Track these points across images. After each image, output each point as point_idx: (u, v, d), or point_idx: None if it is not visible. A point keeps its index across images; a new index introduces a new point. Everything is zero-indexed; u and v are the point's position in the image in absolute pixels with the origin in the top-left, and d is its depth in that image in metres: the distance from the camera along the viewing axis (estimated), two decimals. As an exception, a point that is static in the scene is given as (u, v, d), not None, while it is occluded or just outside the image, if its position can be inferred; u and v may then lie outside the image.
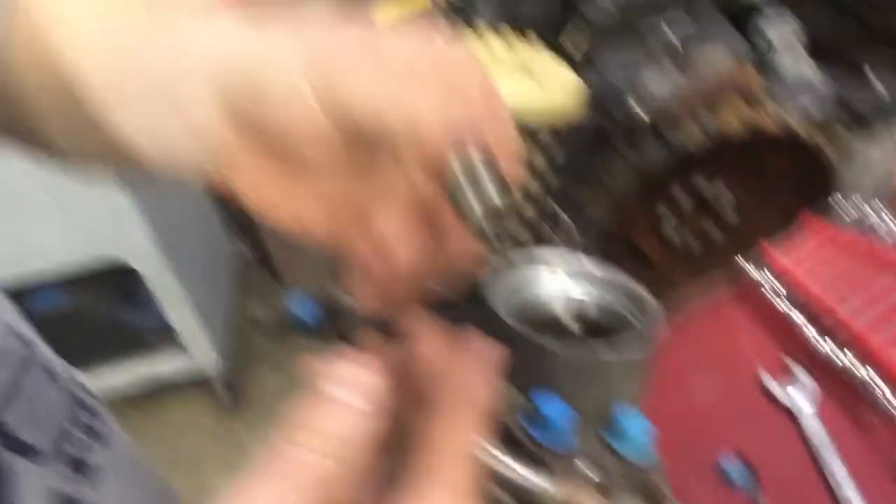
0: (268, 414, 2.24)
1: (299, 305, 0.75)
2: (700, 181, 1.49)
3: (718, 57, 1.48)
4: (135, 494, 0.61)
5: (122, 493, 0.57)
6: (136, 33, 0.36)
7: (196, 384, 2.25)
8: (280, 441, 0.28)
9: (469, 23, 1.63)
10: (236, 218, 2.56)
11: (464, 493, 0.29)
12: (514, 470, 0.43)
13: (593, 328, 0.55)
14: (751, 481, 0.75)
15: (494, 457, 0.44)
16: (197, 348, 2.10)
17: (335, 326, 0.73)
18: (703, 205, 1.50)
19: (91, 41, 0.36)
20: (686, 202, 1.49)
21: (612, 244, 1.11)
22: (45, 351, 0.59)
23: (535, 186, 0.58)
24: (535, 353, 0.49)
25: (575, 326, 0.54)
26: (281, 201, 0.38)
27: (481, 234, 0.36)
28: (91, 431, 0.59)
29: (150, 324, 2.16)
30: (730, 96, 1.47)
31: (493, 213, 0.34)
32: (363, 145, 0.35)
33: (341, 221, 0.39)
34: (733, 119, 1.47)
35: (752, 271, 1.07)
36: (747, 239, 1.58)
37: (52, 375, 0.58)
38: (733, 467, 0.73)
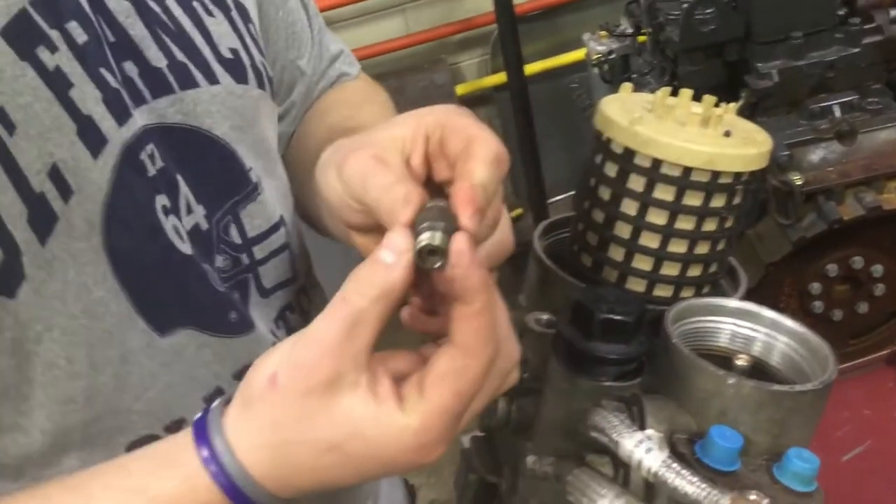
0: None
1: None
2: (851, 252, 1.47)
3: (883, 133, 1.46)
4: None
5: None
6: None
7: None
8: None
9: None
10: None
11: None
12: (685, 481, 0.46)
13: (763, 369, 0.57)
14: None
15: (668, 467, 0.47)
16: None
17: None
18: (852, 275, 1.48)
19: None
20: (834, 271, 1.47)
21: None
22: None
23: (716, 228, 0.61)
24: (712, 383, 0.52)
25: (746, 365, 0.56)
26: None
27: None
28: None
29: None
30: (891, 174, 1.45)
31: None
32: None
33: None
34: (893, 196, 1.45)
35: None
36: (893, 310, 1.54)
37: None
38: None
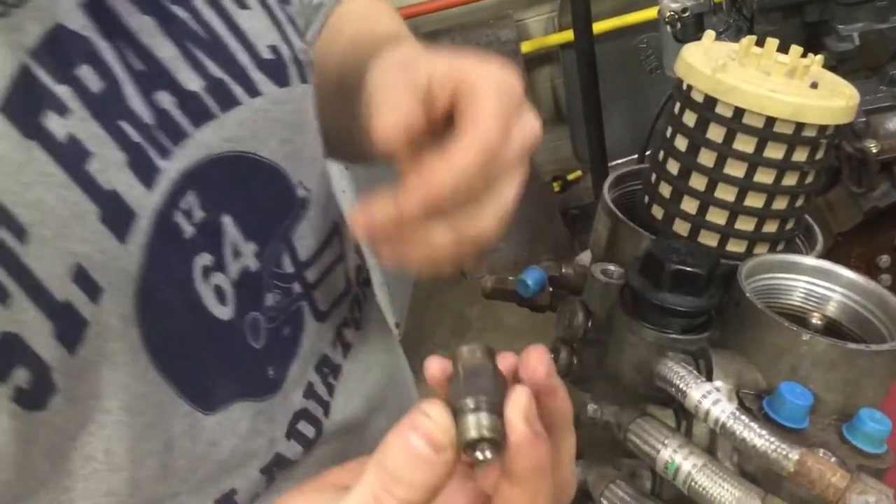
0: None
1: (528, 275, 0.79)
2: (925, 226, 1.42)
3: (968, 102, 1.40)
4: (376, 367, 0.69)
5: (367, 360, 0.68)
6: None
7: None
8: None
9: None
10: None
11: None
12: (753, 432, 0.45)
13: (837, 329, 0.56)
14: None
15: (737, 419, 0.46)
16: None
17: (551, 298, 0.77)
18: (924, 249, 1.43)
19: None
20: (906, 245, 1.43)
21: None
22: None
23: (796, 183, 0.59)
24: (785, 340, 0.51)
25: (819, 323, 0.55)
26: None
27: None
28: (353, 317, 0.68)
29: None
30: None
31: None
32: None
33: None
34: (973, 168, 1.39)
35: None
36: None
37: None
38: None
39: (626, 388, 0.58)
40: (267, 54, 0.55)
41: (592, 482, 0.56)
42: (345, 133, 0.64)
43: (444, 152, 0.45)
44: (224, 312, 0.52)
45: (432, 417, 0.35)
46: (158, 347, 0.48)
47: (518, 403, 0.35)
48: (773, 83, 0.58)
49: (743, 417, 0.45)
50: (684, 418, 0.53)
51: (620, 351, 0.58)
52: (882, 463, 0.49)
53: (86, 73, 0.44)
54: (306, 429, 0.60)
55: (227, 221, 0.52)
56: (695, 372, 0.49)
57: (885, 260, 1.46)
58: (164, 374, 0.49)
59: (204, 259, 0.51)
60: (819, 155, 0.59)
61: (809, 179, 0.60)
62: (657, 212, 0.63)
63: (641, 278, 0.56)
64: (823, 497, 0.43)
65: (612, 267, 0.61)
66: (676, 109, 0.61)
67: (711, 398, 0.47)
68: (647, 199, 0.65)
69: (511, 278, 0.81)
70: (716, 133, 0.58)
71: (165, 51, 0.49)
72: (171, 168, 0.48)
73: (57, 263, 0.42)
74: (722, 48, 0.63)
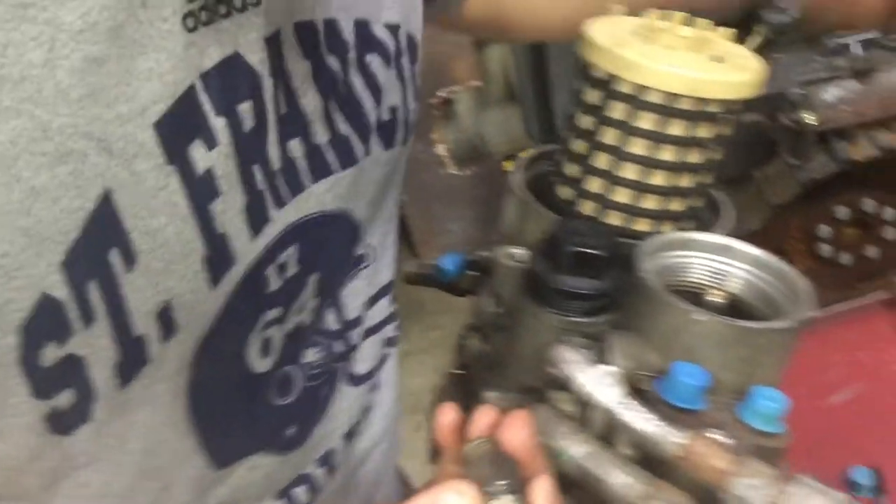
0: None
1: (447, 260, 0.78)
2: (861, 194, 1.43)
3: (901, 71, 1.41)
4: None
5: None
6: None
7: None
8: None
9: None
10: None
11: None
12: (640, 417, 0.45)
13: (739, 306, 0.55)
14: (880, 496, 0.73)
15: (623, 404, 0.45)
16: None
17: (471, 281, 0.76)
18: (862, 217, 1.44)
19: None
20: (844, 215, 1.43)
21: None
22: None
23: (700, 159, 0.58)
24: (679, 320, 0.50)
25: (720, 301, 0.54)
26: None
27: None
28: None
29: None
30: (908, 113, 1.40)
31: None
32: None
33: None
34: (908, 137, 1.40)
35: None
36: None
37: None
38: (863, 478, 0.72)
39: (532, 373, 0.57)
40: (386, 115, 0.53)
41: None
42: None
43: None
44: (262, 365, 0.50)
45: (465, 494, 0.38)
46: (197, 396, 0.46)
47: (542, 489, 0.40)
48: (675, 58, 0.56)
49: (630, 402, 0.45)
50: (583, 404, 0.52)
51: (525, 336, 0.57)
52: (778, 442, 0.48)
53: (245, 111, 0.42)
54: (303, 494, 0.58)
55: (314, 280, 0.50)
56: (587, 357, 0.49)
57: (824, 230, 1.47)
58: (194, 423, 0.47)
59: (273, 313, 0.49)
60: (724, 130, 0.58)
61: (714, 156, 0.59)
62: (565, 192, 0.62)
63: (543, 261, 0.55)
64: (709, 481, 0.42)
65: (518, 250, 0.60)
66: (580, 87, 0.60)
67: (598, 384, 0.46)
68: (555, 179, 0.64)
69: (432, 263, 0.80)
70: (618, 110, 0.57)
71: (310, 100, 0.47)
72: (280, 219, 0.46)
73: (150, 297, 0.40)
74: (627, 23, 0.62)
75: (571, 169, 0.61)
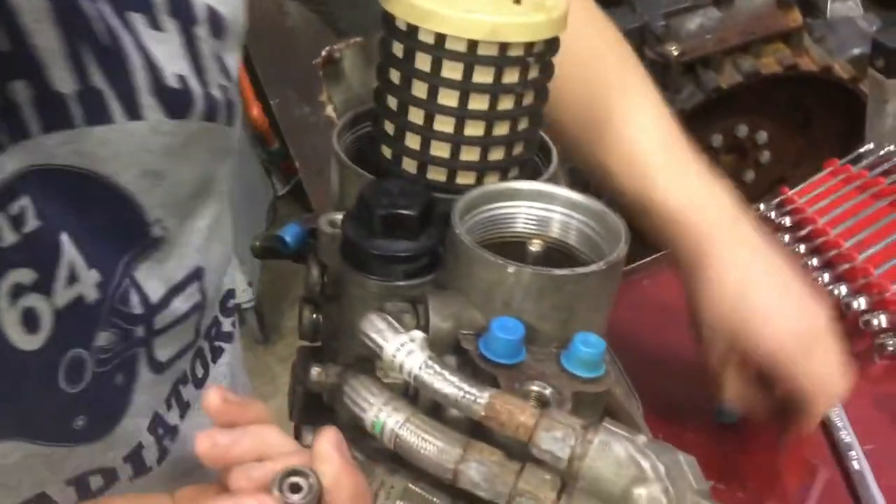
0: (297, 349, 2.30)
1: (287, 230, 0.75)
2: (734, 121, 1.45)
3: (759, -5, 1.42)
4: None
5: None
6: None
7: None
8: None
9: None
10: (271, 154, 2.60)
11: None
12: (442, 381, 0.43)
13: (565, 253, 0.54)
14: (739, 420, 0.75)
15: (425, 369, 0.44)
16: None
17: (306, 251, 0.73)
18: (736, 144, 1.47)
19: None
20: (718, 141, 1.45)
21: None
22: None
23: (513, 106, 0.56)
24: (493, 274, 0.49)
25: (538, 248, 0.53)
26: None
27: None
28: None
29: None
30: (769, 36, 1.42)
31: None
32: None
33: None
34: (771, 59, 1.42)
35: (771, 211, 1.05)
36: (779, 177, 1.54)
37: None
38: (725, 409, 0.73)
39: (360, 344, 0.55)
40: (172, 82, 0.49)
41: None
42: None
43: None
44: (28, 342, 0.45)
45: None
46: None
47: (327, 436, 0.38)
48: (473, 4, 0.54)
49: (434, 366, 0.43)
50: (404, 370, 0.50)
51: (351, 304, 0.55)
52: (599, 386, 0.48)
53: None
54: (97, 484, 0.54)
55: (66, 240, 0.46)
56: (394, 324, 0.47)
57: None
58: None
59: (20, 275, 0.44)
60: (532, 74, 0.56)
61: (527, 100, 0.57)
62: (386, 151, 0.60)
63: (356, 226, 0.53)
64: (517, 437, 0.41)
65: (337, 216, 0.58)
66: (385, 40, 0.58)
67: (405, 350, 0.44)
68: (376, 138, 0.61)
69: (276, 235, 0.77)
70: (423, 62, 0.55)
71: (46, 39, 0.42)
72: (8, 163, 0.42)
73: None
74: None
75: (389, 126, 0.59)
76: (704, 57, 1.40)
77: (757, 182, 1.51)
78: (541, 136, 0.63)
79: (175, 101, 0.50)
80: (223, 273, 0.63)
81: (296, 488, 0.36)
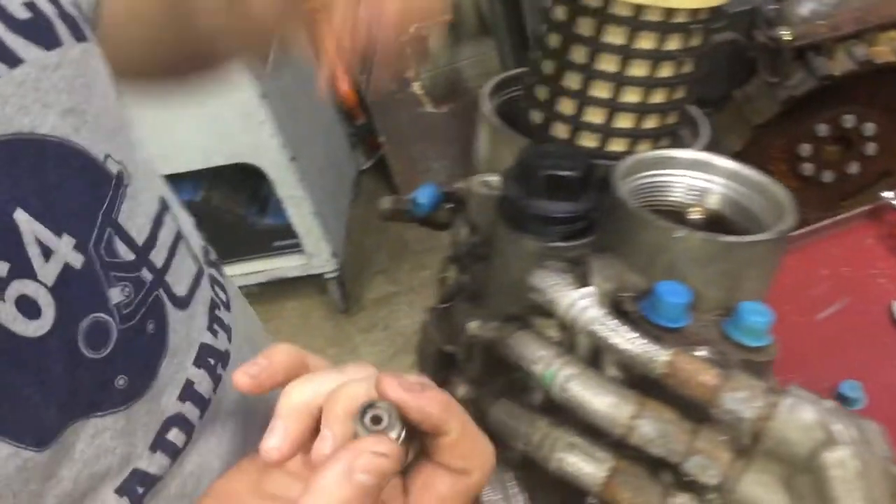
0: (378, 320, 2.31)
1: (422, 193, 0.76)
2: (842, 110, 1.41)
3: (877, -19, 1.38)
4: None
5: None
6: None
7: (312, 286, 2.35)
8: None
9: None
10: (357, 129, 2.63)
11: None
12: (623, 337, 0.44)
13: (720, 223, 0.54)
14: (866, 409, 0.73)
15: (605, 325, 0.44)
16: (314, 248, 2.20)
17: (448, 215, 0.74)
18: (843, 134, 1.43)
19: None
20: (824, 131, 1.42)
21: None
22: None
23: (672, 74, 0.56)
24: (660, 238, 0.49)
25: (700, 218, 0.53)
26: None
27: None
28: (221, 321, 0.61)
29: (272, 224, 2.27)
30: (884, 24, 1.38)
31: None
32: None
33: None
34: (886, 48, 1.38)
35: (892, 199, 1.02)
36: (884, 169, 1.50)
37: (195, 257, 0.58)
38: (852, 391, 0.72)
39: (512, 302, 0.56)
40: (22, 13, 0.45)
41: (480, 400, 0.54)
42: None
43: None
44: (35, 328, 0.43)
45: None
46: None
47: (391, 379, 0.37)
48: (641, -31, 0.54)
49: (611, 322, 0.44)
50: (567, 328, 0.51)
51: (504, 264, 0.56)
52: (765, 355, 0.47)
53: None
54: (177, 437, 0.52)
55: (22, 217, 0.43)
56: (567, 280, 0.47)
57: (805, 149, 1.45)
58: None
59: None
60: (694, 42, 0.56)
61: (686, 69, 0.57)
62: (536, 116, 0.61)
63: (517, 187, 0.53)
64: (696, 396, 0.41)
65: (492, 178, 0.59)
66: (548, 3, 0.58)
67: (580, 305, 0.45)
68: (526, 103, 0.62)
69: (407, 198, 0.78)
70: (586, 26, 0.55)
71: None
72: None
73: None
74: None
75: (542, 92, 0.59)
76: (816, 43, 1.37)
77: (862, 174, 1.47)
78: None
79: (39, 32, 0.46)
80: (176, 198, 0.60)
81: (377, 420, 0.36)
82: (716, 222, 0.54)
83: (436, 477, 0.39)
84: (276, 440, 0.40)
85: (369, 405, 0.36)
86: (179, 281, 0.54)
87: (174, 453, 0.52)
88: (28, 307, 0.43)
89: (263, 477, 0.44)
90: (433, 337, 0.70)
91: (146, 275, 0.51)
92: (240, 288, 0.67)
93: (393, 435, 0.36)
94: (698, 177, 0.54)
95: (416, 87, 2.43)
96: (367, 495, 0.35)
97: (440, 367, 0.72)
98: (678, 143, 0.61)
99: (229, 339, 0.59)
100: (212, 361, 0.56)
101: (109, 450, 0.48)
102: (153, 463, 0.50)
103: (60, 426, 0.45)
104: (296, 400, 0.41)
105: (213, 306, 0.58)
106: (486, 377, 0.59)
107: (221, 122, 1.94)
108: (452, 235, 0.63)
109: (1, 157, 0.42)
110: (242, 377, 0.42)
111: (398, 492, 0.40)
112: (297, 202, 2.07)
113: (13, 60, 0.43)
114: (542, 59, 0.59)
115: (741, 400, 0.40)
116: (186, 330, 0.54)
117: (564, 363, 0.46)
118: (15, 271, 0.42)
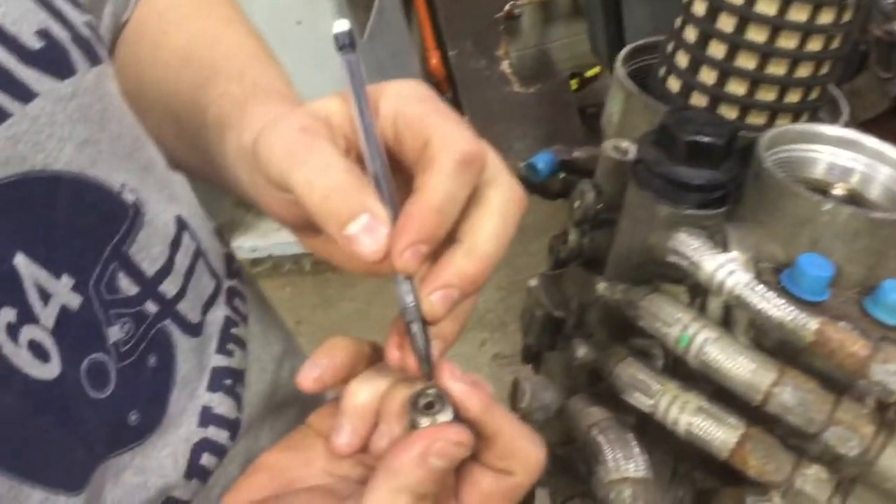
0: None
1: (540, 158, 0.76)
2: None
3: None
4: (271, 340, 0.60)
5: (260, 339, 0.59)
6: None
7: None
8: None
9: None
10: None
11: None
12: (771, 303, 0.43)
13: (861, 203, 0.53)
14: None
15: (753, 290, 0.44)
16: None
17: (563, 184, 0.75)
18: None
19: None
20: (936, 133, 1.38)
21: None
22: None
23: (821, 48, 0.55)
24: (806, 210, 0.48)
25: (843, 194, 0.52)
26: None
27: None
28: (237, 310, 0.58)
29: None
30: None
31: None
32: None
33: None
34: None
35: None
36: None
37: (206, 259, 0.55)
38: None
39: (637, 267, 0.56)
40: (35, 43, 0.43)
41: (603, 361, 0.54)
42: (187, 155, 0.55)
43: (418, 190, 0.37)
44: (47, 371, 0.42)
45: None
46: None
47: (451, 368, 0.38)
48: (800, -62, 0.53)
49: (759, 288, 0.43)
50: (698, 294, 0.51)
51: (633, 229, 0.56)
52: (903, 335, 0.47)
53: None
54: (209, 460, 0.51)
55: (21, 261, 0.42)
56: (709, 244, 0.47)
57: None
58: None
59: (7, 315, 0.41)
60: (846, 17, 0.55)
61: (835, 44, 0.56)
62: (674, 84, 0.60)
63: (655, 151, 0.53)
64: (844, 367, 0.41)
65: (624, 143, 0.58)
66: (695, -28, 0.57)
67: (726, 269, 0.44)
68: (663, 70, 0.61)
69: (521, 164, 0.78)
70: (736, -5, 0.55)
71: None
72: None
73: None
74: None
75: (683, 59, 0.59)
76: (935, 39, 1.32)
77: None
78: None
79: (52, 61, 0.44)
80: (197, 207, 0.57)
81: (430, 406, 0.37)
82: (856, 201, 0.54)
83: (480, 474, 0.39)
84: (346, 438, 0.41)
85: (420, 393, 0.37)
86: (194, 307, 0.52)
87: (207, 476, 0.51)
88: (39, 351, 0.42)
89: (311, 452, 0.44)
90: (542, 302, 0.71)
91: (149, 307, 0.49)
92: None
93: (446, 419, 0.36)
94: (843, 154, 0.53)
95: (505, 66, 2.42)
96: (438, 480, 0.36)
97: (546, 332, 0.73)
98: (817, 121, 0.60)
99: (246, 354, 0.57)
100: (228, 382, 0.55)
101: (140, 485, 0.47)
102: (188, 490, 0.50)
103: (90, 469, 0.44)
104: (360, 400, 0.42)
105: (229, 324, 0.56)
106: (606, 341, 0.59)
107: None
108: (573, 200, 0.63)
109: (7, 199, 0.41)
110: (306, 380, 0.41)
111: (448, 482, 0.40)
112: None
113: (27, 95, 0.41)
114: (683, 25, 0.59)
115: (892, 372, 0.39)
116: (198, 358, 0.53)
117: (702, 326, 0.45)
118: (22, 317, 0.41)
